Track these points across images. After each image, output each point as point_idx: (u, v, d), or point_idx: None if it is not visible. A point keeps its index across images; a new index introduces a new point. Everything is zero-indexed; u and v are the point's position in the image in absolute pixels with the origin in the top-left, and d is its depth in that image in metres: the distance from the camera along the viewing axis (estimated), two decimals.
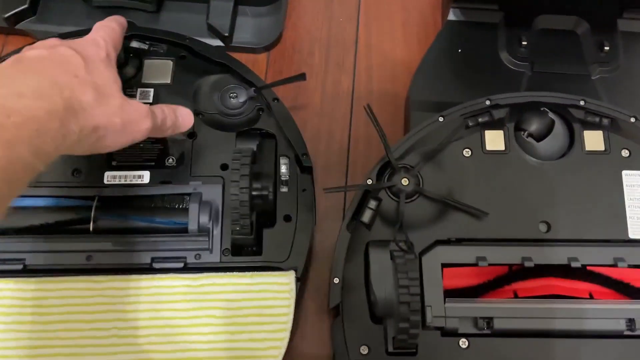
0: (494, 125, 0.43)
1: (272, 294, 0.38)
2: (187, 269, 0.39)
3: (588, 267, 0.39)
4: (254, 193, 0.39)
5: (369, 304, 0.39)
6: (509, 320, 0.37)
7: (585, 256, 0.39)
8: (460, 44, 0.52)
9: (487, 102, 0.43)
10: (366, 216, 0.40)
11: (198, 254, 0.39)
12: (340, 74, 0.54)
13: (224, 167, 0.42)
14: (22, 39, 0.54)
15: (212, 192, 0.41)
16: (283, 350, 0.37)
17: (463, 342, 0.38)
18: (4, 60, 0.34)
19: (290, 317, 0.38)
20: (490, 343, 0.38)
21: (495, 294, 0.39)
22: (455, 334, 0.38)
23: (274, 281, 0.39)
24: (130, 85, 0.45)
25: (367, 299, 0.39)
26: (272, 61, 0.55)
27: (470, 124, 0.43)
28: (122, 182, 0.41)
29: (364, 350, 0.38)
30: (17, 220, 0.40)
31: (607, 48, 0.51)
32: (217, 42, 0.53)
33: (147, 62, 0.46)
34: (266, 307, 0.38)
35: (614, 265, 0.39)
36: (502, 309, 0.38)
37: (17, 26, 0.53)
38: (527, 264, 0.39)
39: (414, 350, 0.37)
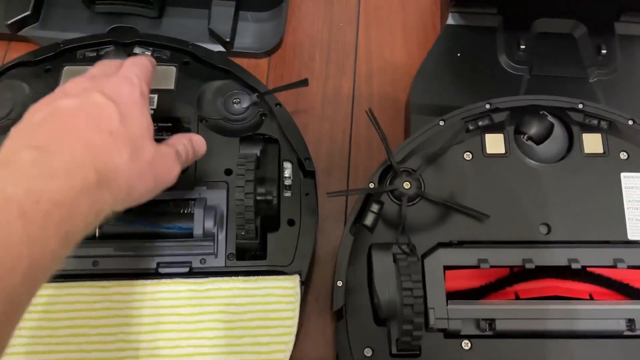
0: (494, 128, 0.44)
1: (277, 298, 0.39)
2: (192, 273, 0.40)
3: (588, 269, 0.39)
4: (258, 198, 0.39)
5: (373, 306, 0.39)
6: (511, 322, 0.38)
7: (585, 257, 0.39)
8: (459, 48, 0.53)
9: (487, 106, 0.44)
10: (369, 219, 0.41)
11: (203, 258, 0.40)
12: (341, 78, 0.55)
13: (228, 172, 0.43)
14: (24, 45, 0.54)
15: (217, 197, 0.41)
16: (288, 354, 0.38)
17: (466, 344, 0.38)
18: (35, 99, 0.31)
19: (296, 321, 0.38)
20: (493, 344, 0.38)
21: (497, 296, 0.39)
22: (458, 335, 0.38)
23: (278, 285, 0.39)
24: None
25: (371, 301, 0.39)
26: (273, 66, 0.55)
27: (471, 127, 0.44)
28: None
29: (367, 352, 0.38)
30: None
31: (604, 51, 0.52)
32: (218, 48, 0.53)
33: None
34: (271, 311, 0.38)
35: (614, 266, 0.39)
36: (503, 310, 0.38)
37: (20, 32, 0.54)
38: (528, 265, 0.39)
39: (418, 352, 0.38)
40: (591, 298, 0.39)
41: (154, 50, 0.47)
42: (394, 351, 0.38)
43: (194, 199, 0.41)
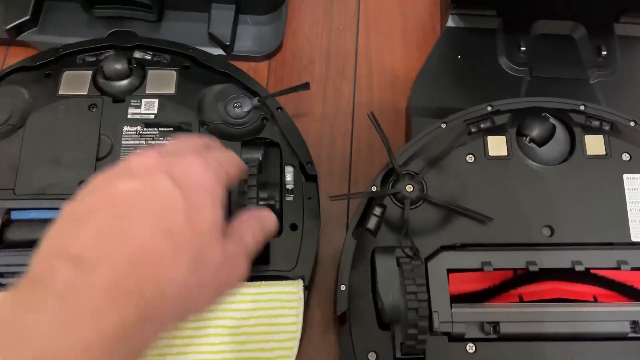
0: (496, 131, 0.43)
1: (280, 303, 0.38)
2: None
3: (592, 271, 0.39)
4: (261, 203, 0.39)
5: (376, 310, 0.39)
6: (515, 325, 0.38)
7: (589, 259, 0.39)
8: (459, 50, 0.53)
9: (489, 108, 0.44)
10: (371, 223, 0.41)
11: None
12: (341, 82, 0.55)
13: None
14: (23, 50, 0.54)
15: None
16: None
17: (470, 347, 0.38)
18: (88, 180, 0.26)
19: (299, 326, 0.38)
20: (497, 347, 0.38)
21: (500, 299, 0.39)
22: (462, 339, 0.38)
23: (282, 290, 0.39)
24: (134, 96, 0.45)
25: (374, 305, 0.39)
26: (273, 69, 0.55)
27: (473, 130, 0.43)
28: None
29: (371, 356, 0.38)
30: (24, 233, 0.40)
31: (604, 52, 0.52)
32: (218, 51, 0.53)
33: (151, 73, 0.46)
34: (275, 316, 0.38)
35: (617, 268, 0.39)
36: (507, 313, 0.38)
37: (19, 37, 0.53)
38: (532, 268, 0.39)
39: (422, 356, 0.38)
40: (595, 300, 0.39)
41: (154, 54, 0.47)
42: (398, 355, 0.38)
43: None
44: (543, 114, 0.44)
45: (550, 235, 0.41)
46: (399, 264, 0.38)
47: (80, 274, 0.22)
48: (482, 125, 0.44)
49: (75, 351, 0.21)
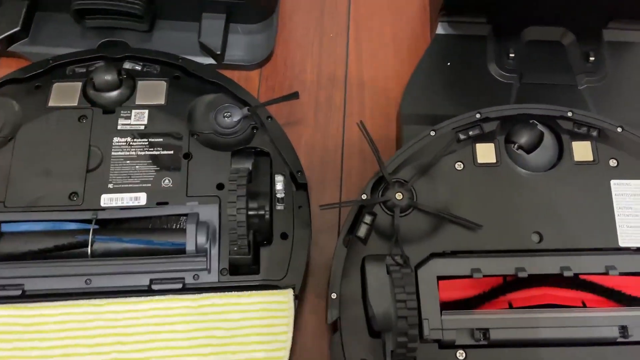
0: (484, 138, 0.44)
1: (271, 312, 0.39)
2: (185, 289, 0.39)
3: (580, 276, 0.40)
4: (250, 213, 0.39)
5: (367, 318, 0.39)
6: (505, 331, 0.38)
7: (578, 265, 0.40)
8: (449, 57, 0.53)
9: (478, 116, 0.44)
10: (362, 231, 0.41)
11: (196, 274, 0.40)
12: (333, 89, 0.55)
13: (220, 186, 0.43)
14: (15, 61, 0.54)
15: (209, 212, 0.41)
16: None
17: (460, 354, 0.38)
18: None
19: (290, 335, 0.38)
20: (487, 354, 0.38)
21: (490, 305, 0.39)
22: (452, 345, 0.38)
23: (272, 300, 0.39)
24: (124, 107, 0.45)
25: (365, 313, 0.39)
26: (265, 77, 0.55)
27: (462, 137, 0.44)
28: (119, 204, 0.42)
29: None
30: (15, 245, 0.40)
31: (592, 58, 0.52)
32: (209, 60, 0.53)
33: (141, 83, 0.46)
34: (265, 326, 0.38)
35: (606, 274, 0.39)
36: (497, 319, 0.38)
37: (10, 48, 0.54)
38: (521, 274, 0.39)
39: None
40: (584, 305, 0.39)
41: (144, 64, 0.47)
42: None
43: (186, 215, 0.41)
44: (531, 121, 0.44)
45: (539, 242, 0.41)
46: (388, 272, 0.38)
47: None
48: (471, 133, 0.44)
49: None
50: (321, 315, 0.45)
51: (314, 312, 0.45)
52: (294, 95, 0.47)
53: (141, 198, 0.42)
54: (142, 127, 0.45)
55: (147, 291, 0.39)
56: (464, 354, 0.38)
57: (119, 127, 0.45)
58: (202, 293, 0.39)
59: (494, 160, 0.43)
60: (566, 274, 0.39)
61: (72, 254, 0.40)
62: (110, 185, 0.42)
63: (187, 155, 0.44)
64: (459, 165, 0.43)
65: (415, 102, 0.51)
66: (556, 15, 0.53)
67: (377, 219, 0.41)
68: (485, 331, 0.38)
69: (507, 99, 0.51)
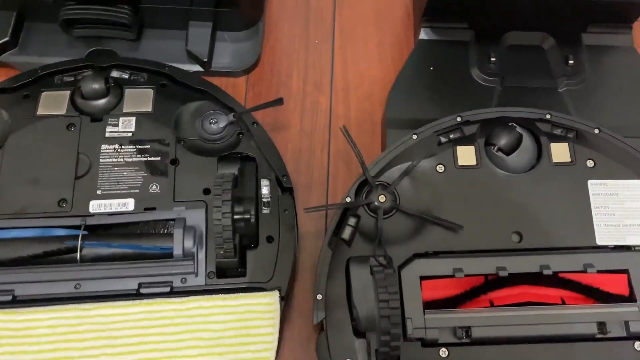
0: (465, 141, 0.45)
1: (257, 314, 0.39)
2: (173, 293, 0.40)
3: (559, 274, 0.41)
4: (236, 217, 0.40)
5: (352, 318, 0.40)
6: (486, 329, 0.39)
7: (556, 264, 0.41)
8: (432, 62, 0.54)
9: (458, 119, 0.45)
10: (346, 233, 0.42)
11: (184, 277, 0.40)
12: (318, 95, 0.56)
13: (207, 191, 0.43)
14: (3, 71, 0.55)
15: (196, 217, 0.42)
16: None
17: (443, 352, 0.39)
18: None
19: (276, 336, 0.39)
20: (469, 351, 0.39)
21: (472, 304, 0.40)
22: (435, 344, 0.39)
23: (258, 302, 0.40)
24: (112, 115, 0.46)
25: (350, 314, 0.40)
26: (252, 84, 0.56)
27: (443, 140, 0.45)
28: (108, 210, 0.42)
29: None
30: (5, 252, 0.41)
31: (572, 62, 0.53)
32: (196, 68, 0.54)
33: (128, 91, 0.47)
34: (252, 327, 0.39)
35: (584, 271, 0.40)
36: (479, 317, 0.39)
37: None
38: (502, 273, 0.40)
39: None
40: (563, 303, 0.40)
41: (131, 73, 0.48)
42: None
43: (173, 219, 0.42)
44: (510, 124, 0.45)
45: (519, 241, 0.42)
46: (372, 273, 0.39)
47: None
48: (451, 136, 0.45)
49: None
50: (307, 316, 0.46)
51: (300, 314, 0.46)
52: (279, 101, 0.48)
53: (129, 204, 0.43)
54: (130, 134, 0.45)
55: (136, 295, 0.40)
56: (446, 352, 0.39)
57: (107, 135, 0.45)
58: (189, 296, 0.40)
59: (475, 163, 0.44)
60: (545, 272, 0.40)
61: (61, 260, 0.41)
62: (98, 192, 0.43)
63: (174, 161, 0.45)
64: (440, 168, 0.44)
65: (399, 107, 0.52)
66: (536, 20, 0.54)
67: (361, 221, 0.42)
68: (467, 329, 0.39)
69: (488, 102, 0.52)
